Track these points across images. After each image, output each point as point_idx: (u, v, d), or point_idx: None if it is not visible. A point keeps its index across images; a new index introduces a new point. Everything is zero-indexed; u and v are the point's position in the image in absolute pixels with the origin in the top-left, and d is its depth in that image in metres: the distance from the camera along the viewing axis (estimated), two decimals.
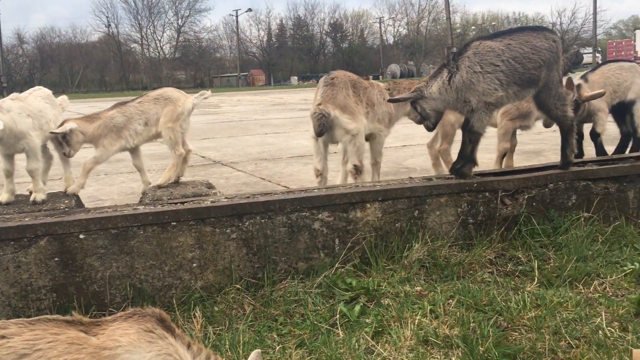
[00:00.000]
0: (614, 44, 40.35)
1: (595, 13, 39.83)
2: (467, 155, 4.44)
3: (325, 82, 5.13)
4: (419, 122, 4.68)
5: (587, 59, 34.87)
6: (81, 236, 3.51)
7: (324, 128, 4.86)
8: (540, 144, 9.30)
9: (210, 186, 5.12)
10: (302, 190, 4.26)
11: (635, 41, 36.91)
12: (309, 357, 3.01)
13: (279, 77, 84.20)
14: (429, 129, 4.55)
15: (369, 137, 5.45)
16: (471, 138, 4.37)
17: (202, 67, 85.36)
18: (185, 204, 3.89)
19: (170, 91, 5.05)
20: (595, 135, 6.30)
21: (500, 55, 4.21)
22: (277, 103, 27.37)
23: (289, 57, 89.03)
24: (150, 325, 1.90)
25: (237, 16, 78.54)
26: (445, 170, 5.77)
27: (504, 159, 6.14)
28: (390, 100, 4.89)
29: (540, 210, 4.50)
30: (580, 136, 6.27)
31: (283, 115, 18.77)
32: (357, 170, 4.97)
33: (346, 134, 4.93)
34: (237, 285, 3.76)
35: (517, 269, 4.05)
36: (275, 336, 3.26)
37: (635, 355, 2.28)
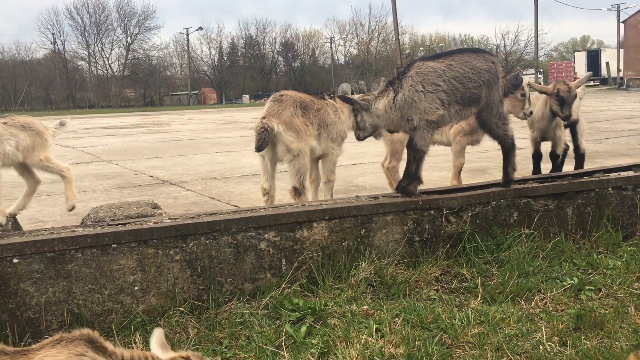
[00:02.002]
0: (555, 65, 42.00)
1: (536, 36, 41.45)
2: (412, 174, 4.50)
3: (274, 98, 5.12)
4: (350, 128, 4.77)
5: (530, 79, 36.11)
6: (15, 260, 3.36)
7: (264, 142, 4.83)
8: (485, 162, 9.54)
9: (155, 206, 5.00)
10: (248, 210, 4.22)
11: (574, 63, 38.52)
12: None
13: (231, 96, 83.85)
14: (359, 139, 4.62)
15: (321, 156, 5.47)
16: (415, 156, 4.44)
17: (152, 85, 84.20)
18: (127, 225, 3.79)
19: (35, 122, 4.72)
20: (554, 157, 6.49)
21: (442, 75, 4.31)
22: (228, 122, 27.20)
23: (241, 75, 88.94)
24: (81, 349, 1.81)
25: (187, 34, 78.11)
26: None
27: (452, 178, 6.27)
28: (339, 97, 4.94)
29: (483, 227, 4.59)
30: (538, 157, 6.48)
31: (234, 134, 18.66)
32: (296, 192, 4.95)
33: (288, 153, 4.91)
34: (181, 308, 3.67)
35: (462, 286, 4.10)
36: None
37: None
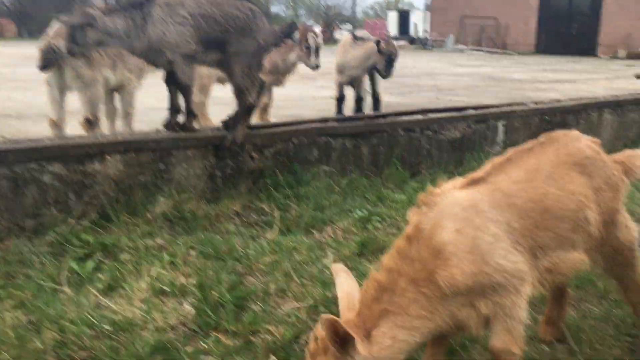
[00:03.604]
0: (371, 22, 44.11)
1: None
2: (187, 109, 4.29)
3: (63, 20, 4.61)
4: (69, 51, 3.94)
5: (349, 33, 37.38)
6: None
7: (49, 63, 4.37)
8: (299, 110, 9.75)
9: None
10: (30, 140, 3.83)
11: (387, 21, 40.78)
12: (26, 318, 2.73)
13: (35, 30, 75.33)
14: (71, 53, 3.99)
15: (118, 88, 5.13)
16: (182, 91, 4.21)
17: None
18: None
19: None
20: (359, 100, 6.92)
21: (190, 9, 4.01)
22: (30, 57, 24.43)
23: (46, 7, 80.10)
24: None
25: None
26: (211, 122, 5.70)
27: (259, 114, 6.29)
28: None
29: (285, 164, 4.69)
30: (342, 99, 6.87)
31: (35, 70, 16.80)
32: (90, 124, 4.61)
33: (77, 79, 4.52)
34: None
35: (261, 220, 4.18)
36: None
37: None
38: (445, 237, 1.97)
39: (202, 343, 2.63)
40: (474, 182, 2.15)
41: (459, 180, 2.19)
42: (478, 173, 2.20)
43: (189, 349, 2.57)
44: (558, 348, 2.56)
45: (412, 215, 2.12)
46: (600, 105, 6.87)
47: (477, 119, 5.82)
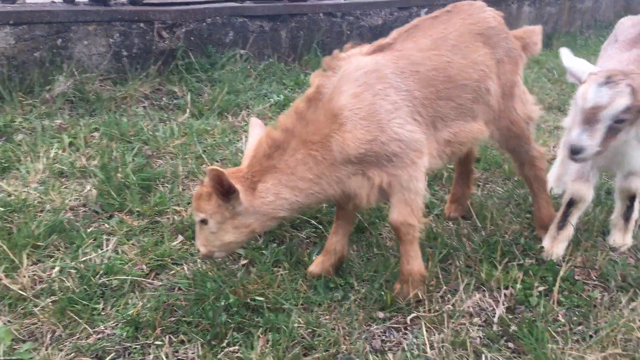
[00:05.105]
0: None
1: None
2: None
3: None
4: None
5: None
6: None
7: None
8: None
9: None
10: None
11: None
12: None
13: None
14: None
15: None
16: None
17: None
18: None
19: None
20: None
21: None
22: None
23: None
24: None
25: None
26: None
27: None
28: None
29: (198, 45, 4.42)
30: None
31: None
32: None
33: None
34: None
35: (172, 103, 3.97)
36: None
37: None
38: (342, 102, 1.90)
39: (104, 224, 2.52)
40: (381, 48, 2.05)
41: (365, 46, 2.09)
42: (385, 39, 2.10)
43: (90, 229, 2.45)
44: (462, 224, 2.64)
45: (314, 77, 2.03)
46: None
47: (400, 6, 5.67)
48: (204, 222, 1.97)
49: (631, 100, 1.99)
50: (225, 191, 1.88)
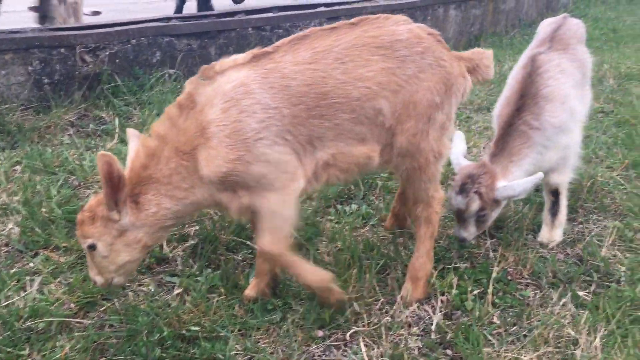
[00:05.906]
0: None
1: None
2: None
3: None
4: None
5: None
6: None
7: None
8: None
9: None
10: None
11: None
12: None
13: None
14: None
15: None
16: None
17: None
18: None
19: None
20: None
21: None
22: None
23: None
24: None
25: None
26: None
27: None
28: None
29: (124, 67, 4.31)
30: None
31: None
32: None
33: None
34: None
35: (100, 129, 3.85)
36: None
37: None
38: (211, 116, 1.84)
39: (29, 263, 2.40)
40: (257, 57, 1.93)
41: (246, 53, 1.97)
42: (266, 48, 1.97)
43: (13, 270, 2.33)
44: (397, 233, 2.66)
45: (189, 83, 1.94)
46: (446, 2, 7.02)
47: (329, 16, 5.70)
48: (92, 247, 1.89)
49: (481, 203, 2.33)
50: (115, 185, 1.80)
